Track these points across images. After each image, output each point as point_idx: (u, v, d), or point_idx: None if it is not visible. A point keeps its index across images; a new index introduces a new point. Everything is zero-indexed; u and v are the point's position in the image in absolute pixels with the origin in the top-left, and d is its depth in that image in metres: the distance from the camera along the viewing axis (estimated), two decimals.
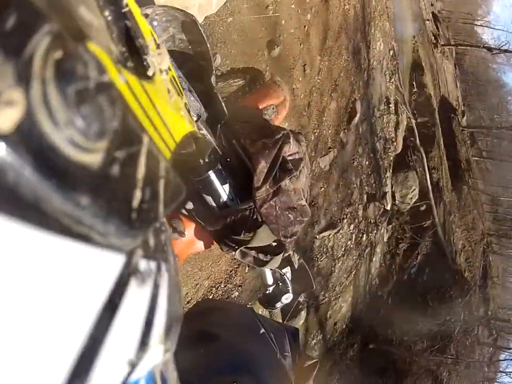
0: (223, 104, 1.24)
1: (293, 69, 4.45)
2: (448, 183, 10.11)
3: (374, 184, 7.24)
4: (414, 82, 9.17)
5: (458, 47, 13.53)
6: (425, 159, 8.12)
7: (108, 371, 0.29)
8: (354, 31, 6.53)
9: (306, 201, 1.45)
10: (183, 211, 1.41)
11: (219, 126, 1.21)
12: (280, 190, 1.34)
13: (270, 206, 1.32)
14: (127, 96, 0.37)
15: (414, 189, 7.86)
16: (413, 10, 10.98)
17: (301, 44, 4.57)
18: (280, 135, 1.36)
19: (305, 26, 4.65)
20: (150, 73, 0.48)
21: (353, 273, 6.99)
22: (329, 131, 5.77)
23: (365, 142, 7.02)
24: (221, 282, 3.59)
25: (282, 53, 4.20)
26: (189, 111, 0.76)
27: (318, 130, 5.45)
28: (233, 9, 3.13)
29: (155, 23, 1.18)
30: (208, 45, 1.27)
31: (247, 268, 3.71)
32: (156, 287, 0.38)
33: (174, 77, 0.69)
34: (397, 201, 7.74)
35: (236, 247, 1.40)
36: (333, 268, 6.56)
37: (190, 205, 1.40)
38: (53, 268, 0.24)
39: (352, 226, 6.73)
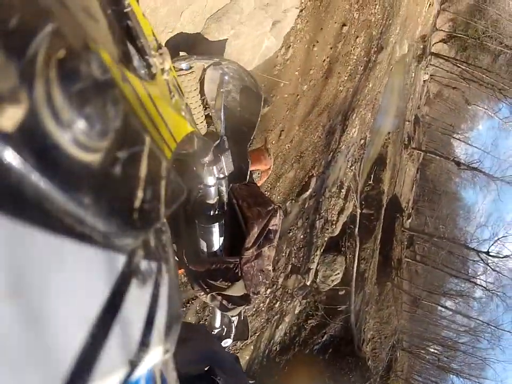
0: (248, 171, 1.49)
1: (271, 130, 4.69)
2: (373, 276, 10.41)
3: (301, 258, 7.40)
4: (372, 175, 9.57)
5: (428, 154, 14.12)
6: (358, 249, 8.45)
7: (108, 370, 0.28)
8: (337, 113, 6.87)
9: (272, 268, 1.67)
10: None
11: (230, 185, 1.44)
12: (260, 254, 1.51)
13: (251, 266, 1.49)
14: (129, 96, 0.37)
15: (338, 273, 8.13)
16: (399, 107, 11.33)
17: (287, 111, 4.84)
18: (271, 207, 1.53)
19: (298, 95, 4.94)
20: (151, 73, 0.49)
21: (257, 334, 7.03)
22: (278, 197, 5.90)
23: (306, 217, 7.19)
24: None
25: (269, 113, 4.45)
26: (189, 111, 0.80)
27: (268, 193, 5.58)
28: None
29: (226, 77, 1.42)
30: (259, 119, 1.49)
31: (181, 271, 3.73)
32: (157, 287, 0.39)
33: (175, 78, 0.69)
34: (318, 280, 7.95)
35: (208, 290, 1.55)
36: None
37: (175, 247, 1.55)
38: (54, 267, 0.24)
39: (269, 291, 6.74)
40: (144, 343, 0.36)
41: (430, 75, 14.95)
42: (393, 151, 10.92)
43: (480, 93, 14.78)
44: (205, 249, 1.51)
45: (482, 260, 14.72)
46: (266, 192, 5.55)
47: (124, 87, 0.36)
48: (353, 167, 8.53)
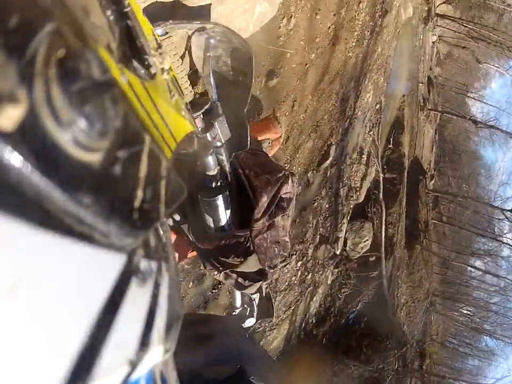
0: (248, 137, 1.37)
1: (283, 102, 4.62)
2: (402, 240, 10.38)
3: (329, 227, 7.39)
4: (391, 139, 9.48)
5: (444, 115, 13.89)
6: (384, 213, 8.39)
7: (108, 370, 0.28)
8: (349, 79, 6.79)
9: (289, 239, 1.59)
10: (170, 222, 1.49)
11: (233, 153, 1.35)
12: (273, 224, 1.44)
13: (263, 238, 1.42)
14: (129, 96, 0.37)
15: (367, 240, 8.11)
16: (411, 70, 11.23)
17: (297, 80, 4.79)
18: (281, 174, 1.46)
19: (306, 64, 4.89)
20: (151, 73, 0.49)
21: (292, 308, 7.05)
22: (299, 168, 5.88)
23: (329, 186, 7.17)
24: None
25: (278, 85, 4.38)
26: (189, 111, 0.76)
27: (288, 165, 5.57)
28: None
29: (212, 41, 1.34)
30: (253, 81, 1.39)
31: (190, 283, 3.70)
32: (157, 286, 0.39)
33: (175, 77, 0.69)
34: (347, 248, 7.95)
35: (221, 268, 1.48)
36: (273, 300, 6.67)
37: (177, 217, 1.49)
38: (54, 267, 0.24)
39: (299, 263, 6.76)
40: (144, 343, 0.35)
41: (438, 36, 14.68)
42: (410, 114, 10.77)
43: (490, 51, 14.46)
44: (212, 225, 1.43)
45: (507, 218, 14.50)
46: (285, 165, 5.53)
47: (123, 86, 0.36)
48: (372, 132, 8.46)
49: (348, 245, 7.95)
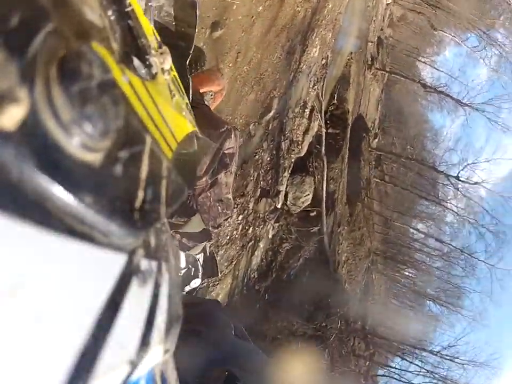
0: (190, 90, 1.29)
1: (227, 53, 4.56)
2: (343, 196, 10.50)
3: (270, 181, 7.38)
4: (335, 95, 9.44)
5: (392, 75, 14.04)
6: (326, 169, 8.42)
7: (109, 370, 0.28)
8: (296, 33, 6.73)
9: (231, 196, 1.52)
10: None
11: None
12: (216, 182, 1.40)
13: (206, 196, 1.38)
14: (130, 96, 0.37)
15: (308, 194, 8.11)
16: (361, 29, 11.29)
17: (242, 32, 4.74)
18: (224, 129, 1.42)
19: (253, 17, 4.84)
20: (152, 73, 0.49)
21: (234, 263, 7.06)
22: (241, 120, 5.83)
23: (271, 139, 7.15)
24: None
25: (223, 36, 4.31)
26: (190, 111, 0.76)
27: (230, 117, 5.49)
28: None
29: None
30: (196, 31, 1.32)
31: None
32: (157, 286, 0.39)
33: (175, 77, 0.69)
34: (288, 202, 7.94)
35: None
36: (217, 259, 6.59)
37: None
38: (55, 267, 0.24)
39: (240, 217, 6.82)
40: (145, 343, 0.35)
41: None
42: (357, 71, 10.79)
43: (447, 20, 14.64)
44: None
45: (452, 184, 15.01)
46: (227, 117, 5.43)
47: (124, 87, 0.36)
48: (316, 86, 8.49)
49: (288, 199, 7.94)
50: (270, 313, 8.77)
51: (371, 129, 12.53)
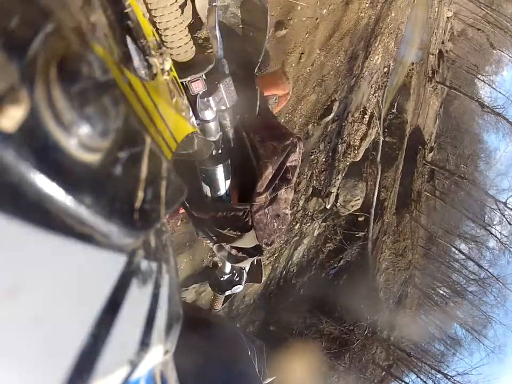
0: (258, 101, 1.20)
1: (290, 53, 4.62)
2: (393, 205, 10.42)
3: (323, 181, 7.45)
4: (395, 104, 9.40)
5: (452, 90, 13.74)
6: (379, 176, 8.40)
7: (109, 370, 0.28)
8: (359, 39, 6.79)
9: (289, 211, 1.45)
10: None
11: (238, 116, 1.20)
12: (275, 198, 1.31)
13: (264, 214, 1.29)
14: (129, 97, 0.38)
15: (359, 199, 8.14)
16: (423, 40, 11.13)
17: (306, 34, 4.77)
18: (290, 141, 1.31)
19: (317, 19, 4.86)
20: (151, 73, 0.49)
21: (276, 255, 7.18)
22: (300, 119, 5.88)
23: (328, 141, 7.21)
24: None
25: (287, 36, 4.37)
26: (191, 110, 0.77)
27: (290, 115, 5.57)
28: None
29: None
30: (267, 37, 1.22)
31: (179, 222, 3.71)
32: (157, 287, 0.39)
33: (175, 78, 0.69)
34: (338, 204, 7.99)
35: (215, 238, 1.37)
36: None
37: None
38: (55, 268, 0.24)
39: (289, 212, 6.89)
40: (145, 343, 0.35)
41: (454, 12, 14.42)
42: (417, 82, 10.65)
43: (505, 40, 14.21)
44: (209, 194, 1.32)
45: (499, 209, 14.57)
46: (287, 115, 5.53)
47: (124, 87, 0.36)
48: (377, 94, 8.44)
49: (339, 201, 7.99)
50: (302, 308, 8.85)
51: (427, 142, 12.31)
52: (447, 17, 13.92)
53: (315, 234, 8.23)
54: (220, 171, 1.24)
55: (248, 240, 1.34)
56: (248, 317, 7.83)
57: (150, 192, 0.34)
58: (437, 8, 11.83)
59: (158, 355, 0.39)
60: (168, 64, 0.56)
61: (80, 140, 0.25)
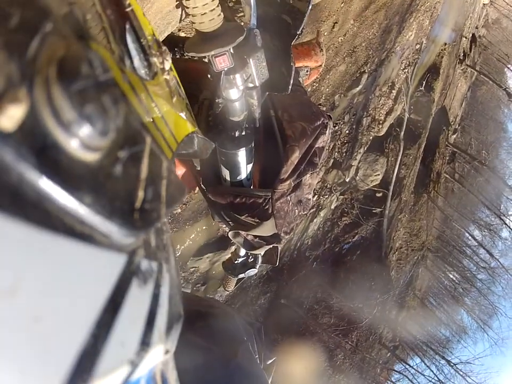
0: (291, 79, 1.05)
1: (324, 21, 4.60)
2: (412, 184, 10.36)
3: (344, 154, 7.41)
4: (424, 82, 9.25)
5: (481, 75, 13.50)
6: (401, 153, 8.35)
7: (109, 370, 0.28)
8: (395, 13, 6.66)
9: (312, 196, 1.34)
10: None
11: (267, 93, 1.08)
12: (299, 184, 1.21)
13: (285, 201, 1.19)
14: (129, 96, 0.37)
15: (378, 174, 8.10)
16: (457, 22, 10.94)
17: (342, 3, 4.74)
18: (320, 122, 1.20)
19: None
20: (151, 73, 0.49)
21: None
22: (327, 89, 5.84)
23: (353, 113, 7.13)
24: None
25: (321, 4, 4.34)
26: (190, 111, 0.72)
27: (317, 84, 5.55)
28: None
29: None
30: (309, 8, 1.07)
31: (197, 189, 3.73)
32: (157, 287, 0.39)
33: (176, 77, 0.68)
34: (357, 178, 7.95)
35: (231, 223, 1.29)
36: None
37: (197, 162, 1.28)
38: (55, 267, 0.24)
39: None
40: (145, 343, 0.35)
41: (490, 0, 14.18)
42: (448, 63, 10.46)
43: None
44: (228, 178, 1.22)
45: None
46: (314, 84, 5.48)
47: (124, 86, 0.36)
48: (406, 70, 8.33)
49: (358, 175, 7.95)
50: (313, 282, 8.91)
51: (451, 124, 12.14)
52: (483, 3, 13.67)
53: (332, 207, 8.19)
54: (241, 155, 1.14)
55: (266, 229, 1.25)
56: (260, 289, 7.91)
57: (150, 192, 0.34)
58: None
59: (159, 355, 0.39)
60: (168, 64, 0.56)
61: (80, 139, 0.25)
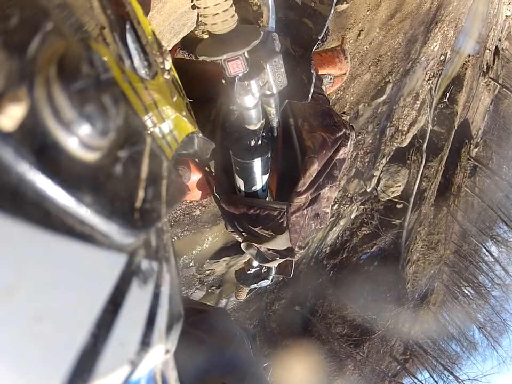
0: (312, 87, 1.00)
1: (349, 29, 4.59)
2: (432, 196, 10.27)
3: (366, 163, 7.40)
4: (447, 94, 9.20)
5: (504, 89, 13.44)
6: (423, 165, 8.29)
7: (109, 370, 0.28)
8: (420, 23, 6.65)
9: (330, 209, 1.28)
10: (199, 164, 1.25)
11: (286, 101, 1.03)
12: (317, 198, 1.15)
13: (301, 215, 1.13)
14: (130, 96, 0.37)
15: (400, 185, 8.05)
16: (481, 33, 10.91)
17: (368, 11, 4.72)
18: (342, 133, 1.14)
19: None
20: (151, 73, 0.49)
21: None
22: (351, 98, 5.83)
23: (377, 123, 7.13)
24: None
25: (347, 11, 4.36)
26: (190, 111, 0.71)
27: (341, 93, 5.55)
28: None
29: None
30: (332, 12, 1.01)
31: None
32: (158, 286, 0.39)
33: (176, 77, 0.67)
34: (379, 188, 7.93)
35: (244, 234, 1.25)
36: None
37: (213, 167, 1.25)
38: (55, 267, 0.24)
39: None
40: (145, 343, 0.35)
41: None
42: (471, 75, 10.40)
43: None
44: (243, 188, 1.17)
45: None
46: (339, 92, 5.47)
47: (124, 86, 0.36)
48: (431, 81, 8.31)
49: (380, 186, 7.92)
50: (329, 291, 8.89)
51: (474, 137, 12.06)
52: (506, 16, 13.61)
53: (352, 217, 8.19)
54: (257, 165, 1.09)
55: (281, 242, 1.19)
56: (275, 294, 7.94)
57: (150, 192, 0.34)
58: (496, 5, 11.57)
59: (159, 355, 0.39)
60: (168, 64, 0.55)
61: (80, 138, 0.25)
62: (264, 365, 1.19)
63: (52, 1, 0.28)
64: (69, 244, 0.25)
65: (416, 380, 14.39)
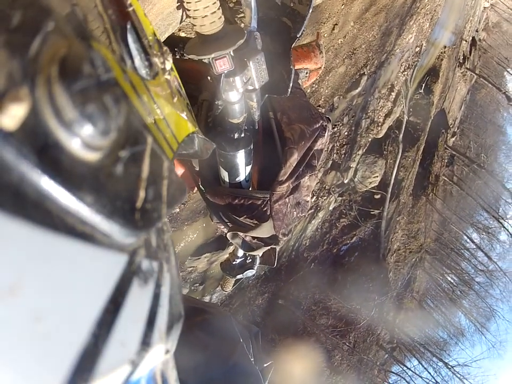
0: (291, 83, 1.07)
1: (324, 23, 4.59)
2: (410, 186, 10.38)
3: (343, 155, 7.42)
4: (423, 84, 9.28)
5: (480, 79, 13.55)
6: (399, 155, 8.37)
7: (109, 370, 0.28)
8: (395, 16, 6.69)
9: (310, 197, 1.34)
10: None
11: (266, 95, 1.10)
12: (297, 186, 1.21)
13: (284, 203, 1.19)
14: (130, 96, 0.37)
15: (377, 176, 8.11)
16: (457, 25, 10.99)
17: (342, 5, 4.75)
18: (319, 124, 1.21)
19: None
20: (152, 73, 0.49)
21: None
22: (326, 91, 5.85)
23: (352, 115, 7.14)
24: None
25: (322, 6, 4.34)
26: (190, 112, 0.73)
27: (316, 86, 5.56)
28: None
29: None
30: (310, 12, 1.08)
31: (195, 189, 3.70)
32: (158, 286, 0.39)
33: (177, 78, 0.68)
34: (356, 179, 7.98)
35: (229, 224, 1.30)
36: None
37: (196, 162, 1.30)
38: (55, 267, 0.24)
39: None
40: (146, 343, 0.35)
41: (491, 4, 14.43)
42: (447, 66, 10.50)
43: None
44: (227, 179, 1.23)
45: None
46: (314, 86, 5.48)
47: (125, 86, 0.36)
48: (406, 72, 8.34)
49: (357, 177, 7.97)
50: (311, 282, 8.92)
51: (450, 126, 12.17)
52: (484, 7, 13.76)
53: (330, 209, 8.21)
54: (240, 156, 1.15)
55: (265, 230, 1.26)
56: (258, 289, 7.88)
57: (151, 192, 0.34)
58: None
59: (159, 355, 0.39)
60: (169, 64, 0.55)
61: (82, 138, 0.25)
62: (266, 364, 1.22)
63: (53, 2, 0.27)
64: (70, 243, 0.25)
65: (405, 367, 14.46)
